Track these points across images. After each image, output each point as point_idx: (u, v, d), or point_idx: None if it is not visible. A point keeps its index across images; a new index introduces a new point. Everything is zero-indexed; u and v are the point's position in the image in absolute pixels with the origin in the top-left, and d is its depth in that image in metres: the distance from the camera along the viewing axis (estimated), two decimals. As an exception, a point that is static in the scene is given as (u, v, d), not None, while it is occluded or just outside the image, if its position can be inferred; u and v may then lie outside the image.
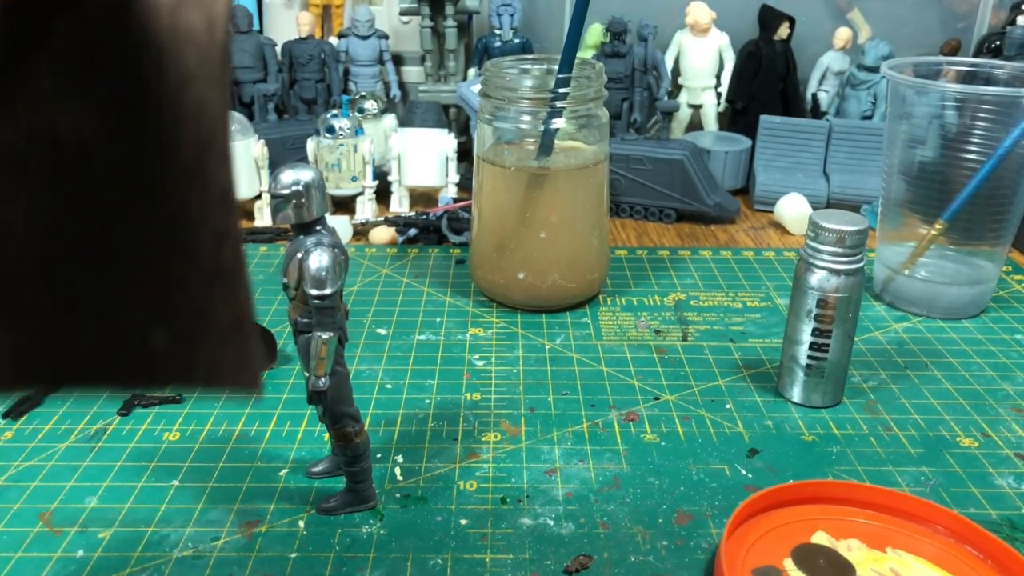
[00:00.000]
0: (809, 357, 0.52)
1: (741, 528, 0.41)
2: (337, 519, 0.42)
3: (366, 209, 0.84)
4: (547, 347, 0.60)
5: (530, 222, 0.62)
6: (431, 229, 0.79)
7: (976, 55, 0.97)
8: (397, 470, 0.46)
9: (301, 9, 1.05)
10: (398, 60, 1.03)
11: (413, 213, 0.81)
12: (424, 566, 0.39)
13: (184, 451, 0.48)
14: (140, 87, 0.16)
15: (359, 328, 0.62)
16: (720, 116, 1.00)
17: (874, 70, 0.92)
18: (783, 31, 0.96)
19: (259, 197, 0.83)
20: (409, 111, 0.89)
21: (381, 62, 0.98)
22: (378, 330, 0.62)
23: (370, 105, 0.87)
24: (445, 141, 0.84)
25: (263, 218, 0.83)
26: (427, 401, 0.53)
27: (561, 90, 0.59)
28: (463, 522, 0.42)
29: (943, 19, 1.02)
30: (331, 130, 0.82)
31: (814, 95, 0.98)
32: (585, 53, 0.97)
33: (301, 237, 0.38)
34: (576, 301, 0.66)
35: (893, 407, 0.53)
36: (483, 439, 0.49)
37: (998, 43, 0.93)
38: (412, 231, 0.79)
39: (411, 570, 0.39)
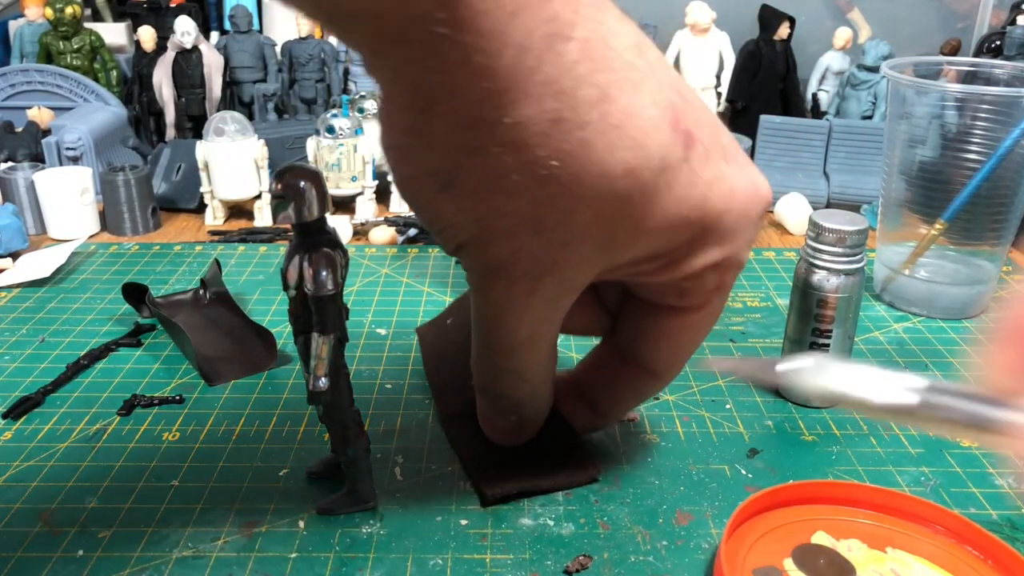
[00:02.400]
0: (809, 357, 0.52)
1: (741, 528, 0.41)
2: (337, 519, 0.42)
3: (366, 209, 0.84)
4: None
5: (530, 222, 0.62)
6: (431, 229, 0.78)
7: (976, 55, 0.97)
8: (397, 470, 0.46)
9: (301, 9, 1.04)
10: (398, 60, 1.03)
11: (413, 213, 0.81)
12: (424, 566, 0.39)
13: (184, 451, 0.48)
14: None
15: (359, 328, 0.62)
16: (720, 116, 1.00)
17: (874, 70, 0.92)
18: (783, 31, 0.96)
19: (259, 197, 0.83)
20: (409, 111, 0.89)
21: (381, 62, 0.98)
22: (378, 330, 0.62)
23: (370, 105, 0.87)
24: (445, 141, 0.84)
25: (263, 218, 0.83)
26: (427, 401, 0.53)
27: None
28: (463, 522, 0.42)
29: (943, 19, 1.02)
30: (331, 130, 0.82)
31: (814, 95, 0.98)
32: (585, 53, 0.97)
33: (301, 237, 0.38)
34: (576, 301, 0.65)
35: (893, 407, 0.53)
36: (483, 439, 0.49)
37: (998, 43, 0.93)
38: (412, 231, 0.79)
39: (411, 570, 0.39)
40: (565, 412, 0.46)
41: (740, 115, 0.98)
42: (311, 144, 0.83)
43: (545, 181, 0.32)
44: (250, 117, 0.96)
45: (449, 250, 0.37)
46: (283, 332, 0.60)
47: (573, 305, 0.39)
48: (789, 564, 0.39)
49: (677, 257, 0.36)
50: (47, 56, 0.99)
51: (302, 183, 0.36)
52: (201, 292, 0.64)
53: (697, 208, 0.34)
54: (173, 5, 1.08)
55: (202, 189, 0.82)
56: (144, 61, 0.96)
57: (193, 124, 0.97)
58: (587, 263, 0.35)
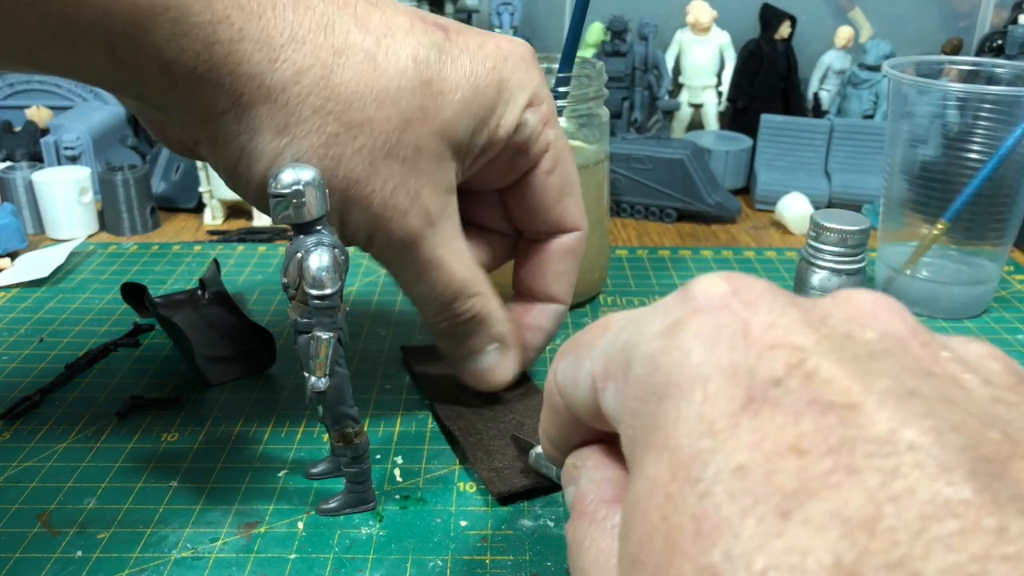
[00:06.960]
0: (810, 357, 0.51)
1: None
2: (336, 520, 0.42)
3: (366, 208, 0.84)
4: (548, 347, 0.59)
5: (530, 222, 0.62)
6: (431, 228, 0.78)
7: (978, 54, 0.97)
8: (397, 471, 0.46)
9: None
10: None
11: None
12: (424, 567, 0.39)
13: (183, 452, 0.47)
14: None
15: (359, 328, 0.62)
16: (721, 115, 1.00)
17: (875, 69, 0.92)
18: (784, 30, 0.95)
19: (259, 196, 0.83)
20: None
21: (381, 61, 0.98)
22: (378, 330, 0.62)
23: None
24: (445, 140, 0.84)
25: (262, 218, 0.83)
26: (427, 402, 0.53)
27: (561, 89, 0.59)
28: (463, 523, 0.42)
29: (944, 18, 1.02)
30: (331, 129, 0.81)
31: (815, 94, 0.98)
32: (585, 52, 0.97)
33: (301, 237, 0.37)
34: (576, 301, 0.65)
35: (895, 407, 0.53)
36: (483, 440, 0.49)
37: (1000, 42, 0.93)
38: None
39: (411, 571, 0.39)
40: (526, 325, 0.49)
41: (741, 114, 0.98)
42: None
43: (363, 103, 0.38)
44: (250, 116, 0.95)
45: (336, 227, 0.41)
46: (282, 332, 0.60)
47: (476, 242, 0.46)
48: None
49: (499, 115, 0.43)
50: (46, 55, 0.99)
51: (301, 183, 0.36)
52: (200, 292, 0.64)
53: (481, 64, 0.41)
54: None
55: (201, 189, 0.82)
56: (143, 60, 0.96)
57: (192, 123, 0.96)
58: (441, 158, 0.41)
